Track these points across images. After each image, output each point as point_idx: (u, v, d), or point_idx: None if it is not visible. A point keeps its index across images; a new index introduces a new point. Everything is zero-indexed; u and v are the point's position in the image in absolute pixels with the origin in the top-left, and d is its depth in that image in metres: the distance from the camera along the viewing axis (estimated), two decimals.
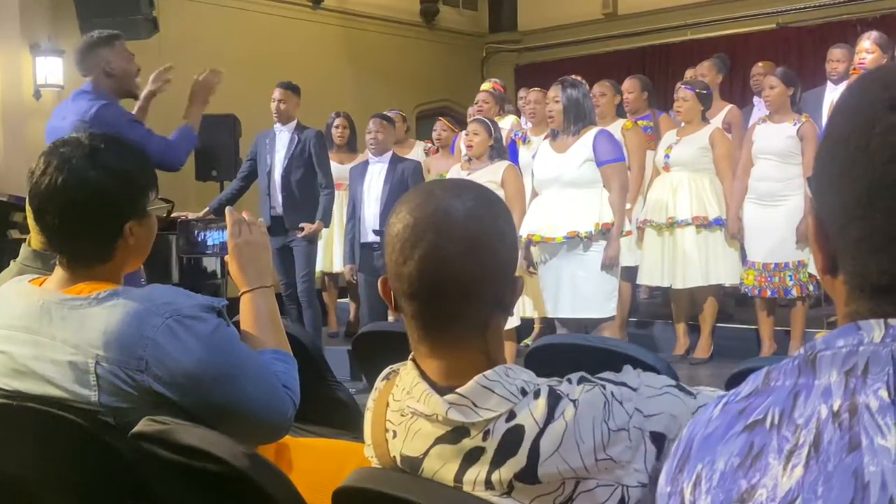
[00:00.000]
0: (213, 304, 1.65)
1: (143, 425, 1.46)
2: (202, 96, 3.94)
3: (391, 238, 1.26)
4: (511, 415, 1.19)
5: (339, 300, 7.43)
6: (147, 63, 7.28)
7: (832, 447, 0.76)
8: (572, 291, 4.80)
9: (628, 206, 5.10)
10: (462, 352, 1.26)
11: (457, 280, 1.23)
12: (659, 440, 1.20)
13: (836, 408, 0.77)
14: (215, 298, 1.67)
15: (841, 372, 0.78)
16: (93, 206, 1.65)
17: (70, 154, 1.66)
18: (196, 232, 1.96)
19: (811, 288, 5.27)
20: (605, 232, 4.70)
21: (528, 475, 1.17)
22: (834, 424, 0.77)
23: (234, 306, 1.84)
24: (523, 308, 5.36)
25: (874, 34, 5.69)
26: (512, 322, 5.21)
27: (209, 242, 1.96)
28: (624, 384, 1.24)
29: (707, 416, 0.88)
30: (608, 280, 4.81)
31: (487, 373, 1.22)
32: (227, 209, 1.90)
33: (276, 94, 5.89)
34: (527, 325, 5.99)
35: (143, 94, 3.96)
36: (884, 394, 0.75)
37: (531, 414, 1.18)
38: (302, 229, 5.78)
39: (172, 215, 5.18)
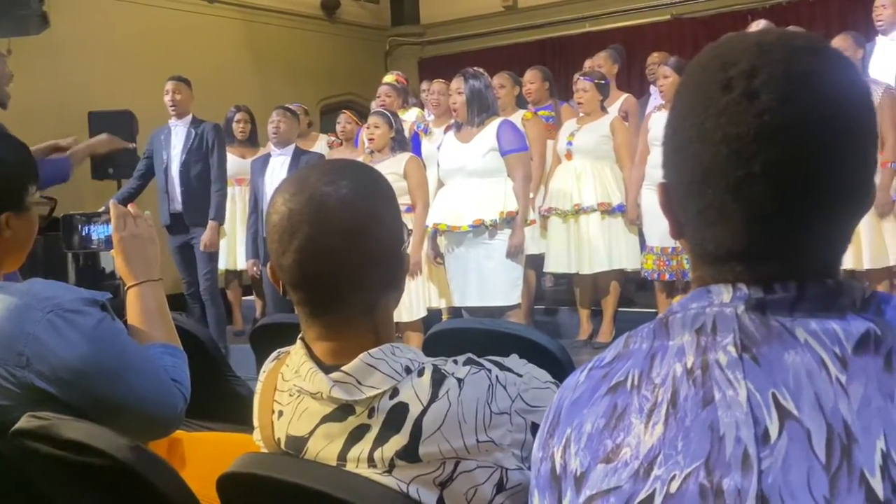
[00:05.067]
0: (96, 298, 1.61)
1: (23, 422, 1.42)
2: (101, 148, 3.77)
3: (270, 228, 1.25)
4: (394, 392, 1.20)
5: (244, 298, 7.33)
6: (37, 61, 7.08)
7: (688, 403, 0.79)
8: (479, 280, 4.85)
9: (531, 195, 5.17)
10: (350, 333, 1.26)
11: (337, 270, 1.22)
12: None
13: (689, 365, 0.81)
14: (98, 292, 1.63)
15: (692, 331, 0.82)
16: None
17: None
18: (79, 226, 1.90)
19: None
20: (509, 220, 4.77)
21: (409, 453, 1.17)
22: (689, 381, 0.80)
23: None
24: (429, 298, 5.38)
25: (762, 22, 5.88)
26: (419, 313, 5.23)
27: (94, 237, 1.90)
28: (510, 370, 1.26)
29: (574, 381, 0.91)
30: (514, 268, 4.88)
31: (373, 351, 1.22)
32: (111, 202, 1.86)
33: (169, 86, 5.77)
34: (435, 316, 6.01)
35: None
36: (732, 349, 0.79)
37: (415, 392, 1.19)
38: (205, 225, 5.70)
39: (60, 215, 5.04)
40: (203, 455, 1.83)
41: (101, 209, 1.96)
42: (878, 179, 5.12)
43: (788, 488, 0.73)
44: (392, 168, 4.98)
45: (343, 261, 1.22)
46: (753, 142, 0.78)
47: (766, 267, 0.81)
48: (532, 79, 6.30)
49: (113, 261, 1.86)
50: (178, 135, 5.78)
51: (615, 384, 0.86)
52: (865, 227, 4.84)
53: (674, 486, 0.77)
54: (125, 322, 1.74)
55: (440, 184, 5.11)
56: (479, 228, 4.79)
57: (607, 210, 5.57)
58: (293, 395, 1.27)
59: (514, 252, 4.81)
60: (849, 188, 0.81)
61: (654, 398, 0.82)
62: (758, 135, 0.78)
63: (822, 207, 0.80)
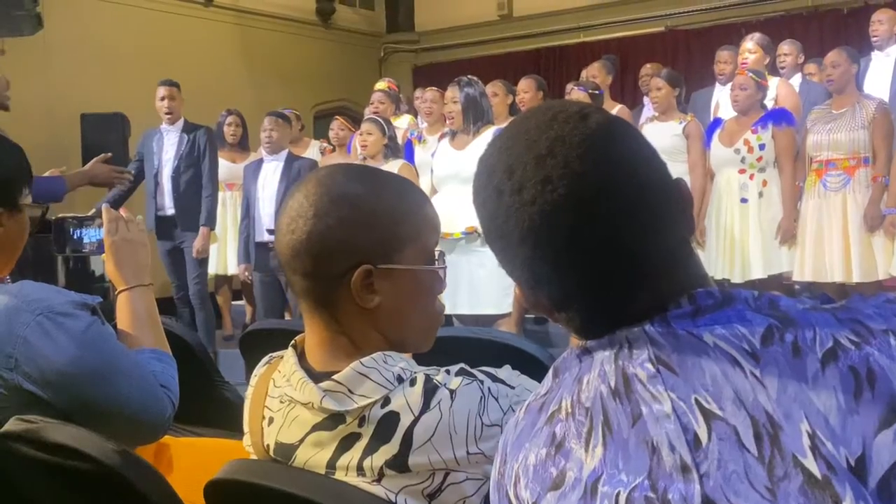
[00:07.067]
0: (87, 301, 1.60)
1: (11, 425, 1.41)
2: (101, 177, 3.78)
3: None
4: (386, 401, 1.19)
5: (233, 302, 7.31)
6: (30, 61, 7.06)
7: (620, 422, 0.82)
8: (470, 288, 4.86)
9: None
10: (327, 334, 1.26)
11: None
12: None
13: (613, 385, 0.84)
14: (89, 296, 1.62)
15: (611, 351, 0.85)
16: None
17: None
18: (71, 230, 1.90)
19: None
20: None
21: (398, 463, 1.17)
22: (615, 401, 0.83)
23: None
24: None
25: (757, 36, 5.92)
26: None
27: (85, 240, 1.90)
28: (502, 382, 1.25)
29: (514, 421, 0.94)
30: (505, 276, 4.80)
31: (365, 359, 1.21)
32: (104, 205, 1.85)
33: (163, 91, 5.75)
34: None
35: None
36: (649, 365, 0.82)
37: (407, 402, 1.18)
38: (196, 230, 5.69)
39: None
40: (191, 461, 1.82)
41: (93, 212, 1.96)
42: (869, 194, 5.10)
43: (731, 486, 0.75)
44: None
45: (297, 270, 1.26)
46: (544, 230, 0.84)
47: (639, 306, 0.86)
48: (526, 88, 6.31)
49: (103, 264, 1.85)
50: (171, 140, 5.77)
51: (551, 413, 0.88)
52: (855, 241, 4.85)
53: (622, 501, 0.79)
54: (115, 326, 1.74)
55: (433, 191, 5.12)
56: (472, 235, 4.80)
57: None
58: (284, 401, 1.27)
59: None
60: (646, 225, 0.85)
61: (589, 422, 0.84)
62: (543, 222, 0.84)
63: (636, 251, 0.85)
